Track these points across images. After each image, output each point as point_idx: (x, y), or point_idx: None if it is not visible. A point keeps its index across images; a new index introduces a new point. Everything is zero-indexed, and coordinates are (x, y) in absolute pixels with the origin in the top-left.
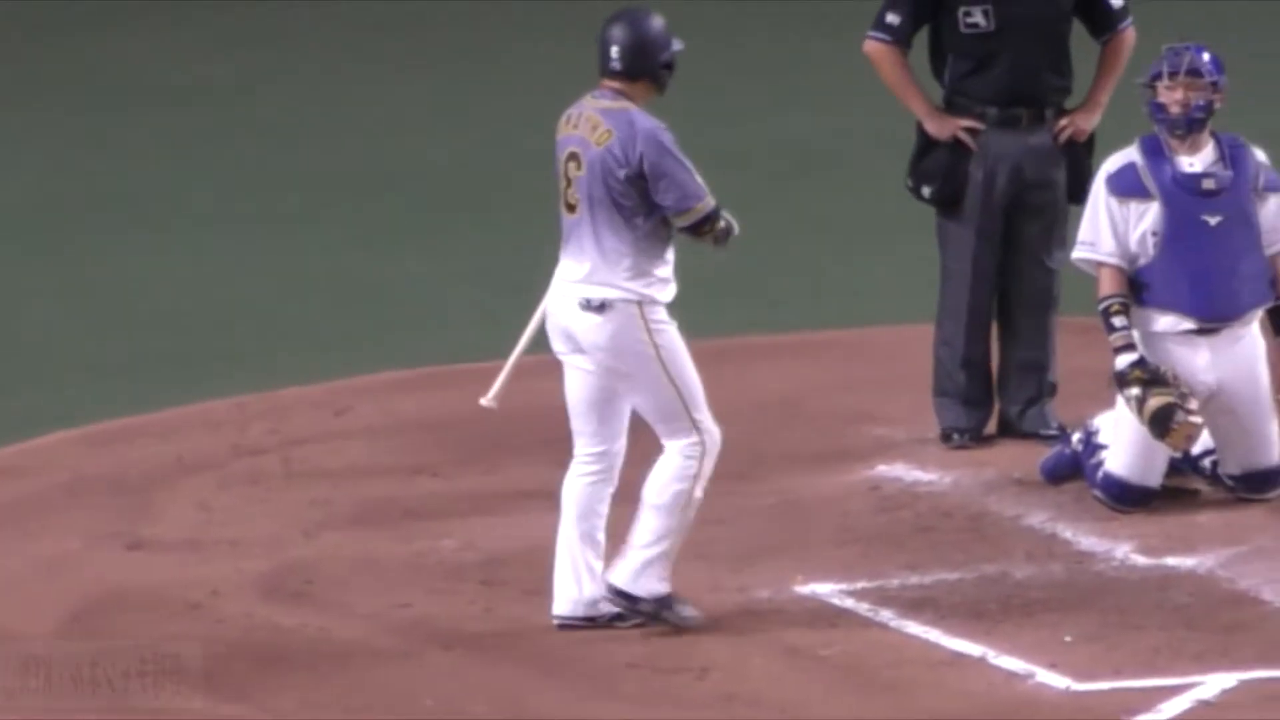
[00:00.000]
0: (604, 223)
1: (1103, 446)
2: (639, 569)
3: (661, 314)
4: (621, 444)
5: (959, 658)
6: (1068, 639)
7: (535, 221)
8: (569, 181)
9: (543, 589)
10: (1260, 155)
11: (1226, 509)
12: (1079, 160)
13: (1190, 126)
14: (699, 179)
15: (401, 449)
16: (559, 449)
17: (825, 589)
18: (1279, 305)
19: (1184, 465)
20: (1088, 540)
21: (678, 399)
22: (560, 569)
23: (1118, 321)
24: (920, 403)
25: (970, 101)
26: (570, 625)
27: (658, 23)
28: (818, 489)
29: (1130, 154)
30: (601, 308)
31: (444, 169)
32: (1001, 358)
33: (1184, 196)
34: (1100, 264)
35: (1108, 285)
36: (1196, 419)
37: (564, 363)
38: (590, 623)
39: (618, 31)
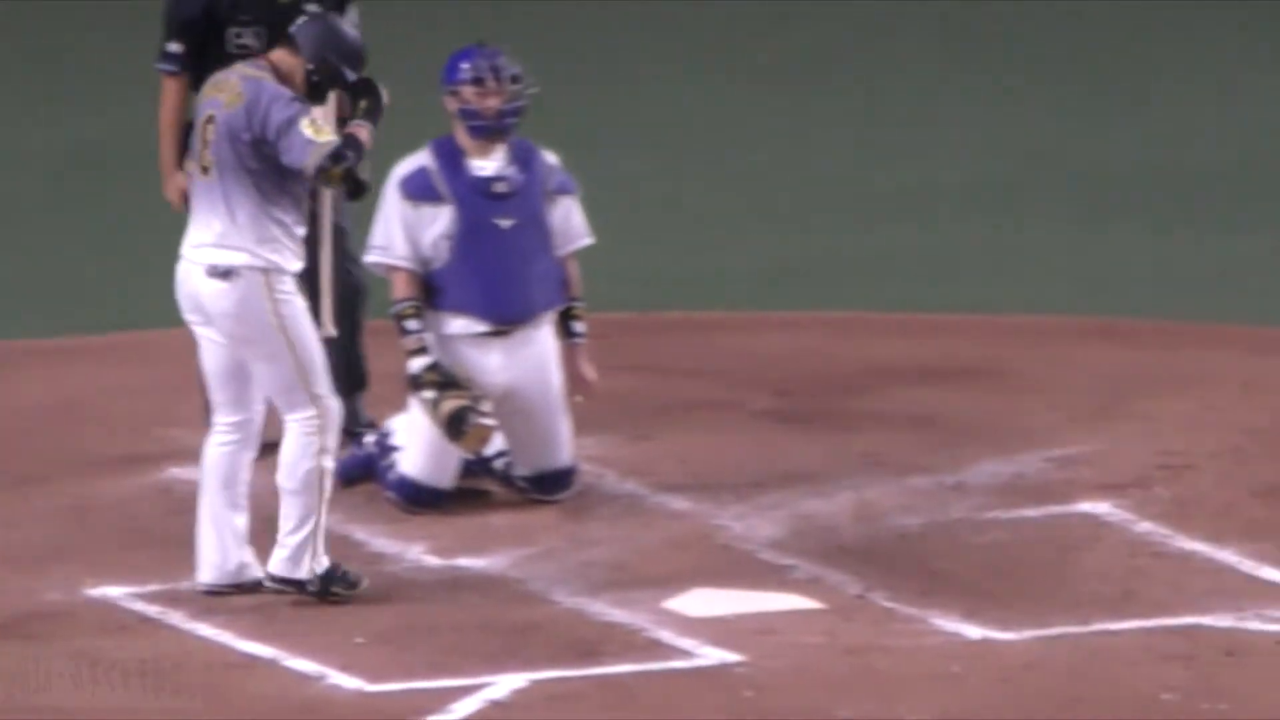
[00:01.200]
0: (233, 185)
1: (396, 449)
2: (294, 555)
3: (288, 284)
4: (260, 409)
5: (251, 660)
6: (360, 640)
7: None
8: (205, 143)
9: None
10: (551, 158)
11: (518, 510)
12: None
13: (505, 131)
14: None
15: None
16: None
17: (116, 592)
18: (571, 307)
19: (476, 467)
20: (380, 541)
21: (297, 371)
22: (204, 538)
23: (411, 325)
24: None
25: None
26: (217, 592)
27: (357, 40)
28: (108, 492)
29: (422, 157)
30: (227, 274)
31: None
32: None
33: (476, 200)
34: (394, 268)
35: (402, 289)
36: (490, 422)
37: (196, 333)
38: (237, 589)
39: (317, 18)
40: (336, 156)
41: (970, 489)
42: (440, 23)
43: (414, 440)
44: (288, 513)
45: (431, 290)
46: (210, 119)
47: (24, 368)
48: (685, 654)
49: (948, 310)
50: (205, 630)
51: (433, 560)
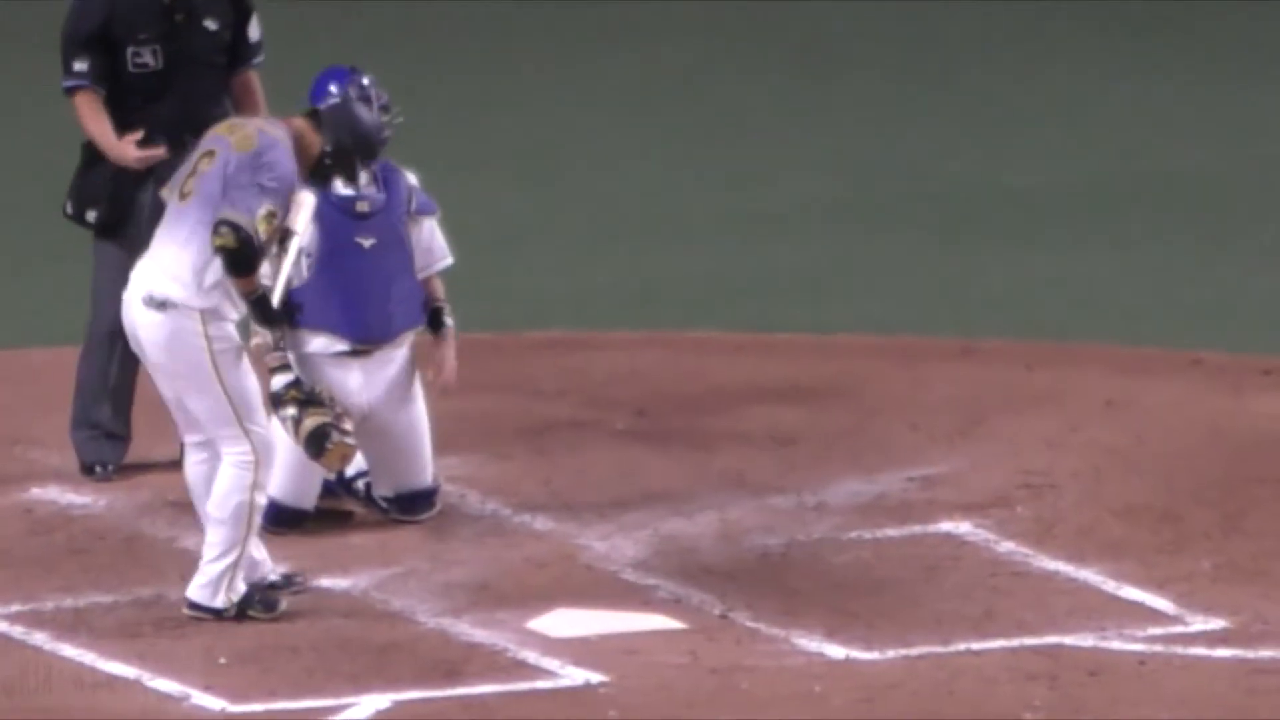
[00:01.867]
0: (205, 222)
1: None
2: (212, 583)
3: (224, 328)
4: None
5: (114, 680)
6: (223, 661)
7: None
8: (193, 173)
9: None
10: (412, 178)
11: (380, 530)
12: None
13: (376, 155)
14: (261, 222)
15: None
16: None
17: None
18: (438, 308)
19: (337, 487)
20: None
21: (229, 407)
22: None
23: None
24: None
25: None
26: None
27: (375, 129)
28: None
29: None
30: (163, 305)
31: None
32: None
33: (338, 218)
34: None
35: None
36: (352, 440)
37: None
38: (250, 586)
39: (344, 101)
40: (239, 233)
41: (832, 509)
42: (306, 30)
43: (275, 460)
44: (212, 540)
45: (292, 307)
46: (210, 154)
47: None
48: (549, 674)
49: (808, 330)
50: (68, 650)
51: None
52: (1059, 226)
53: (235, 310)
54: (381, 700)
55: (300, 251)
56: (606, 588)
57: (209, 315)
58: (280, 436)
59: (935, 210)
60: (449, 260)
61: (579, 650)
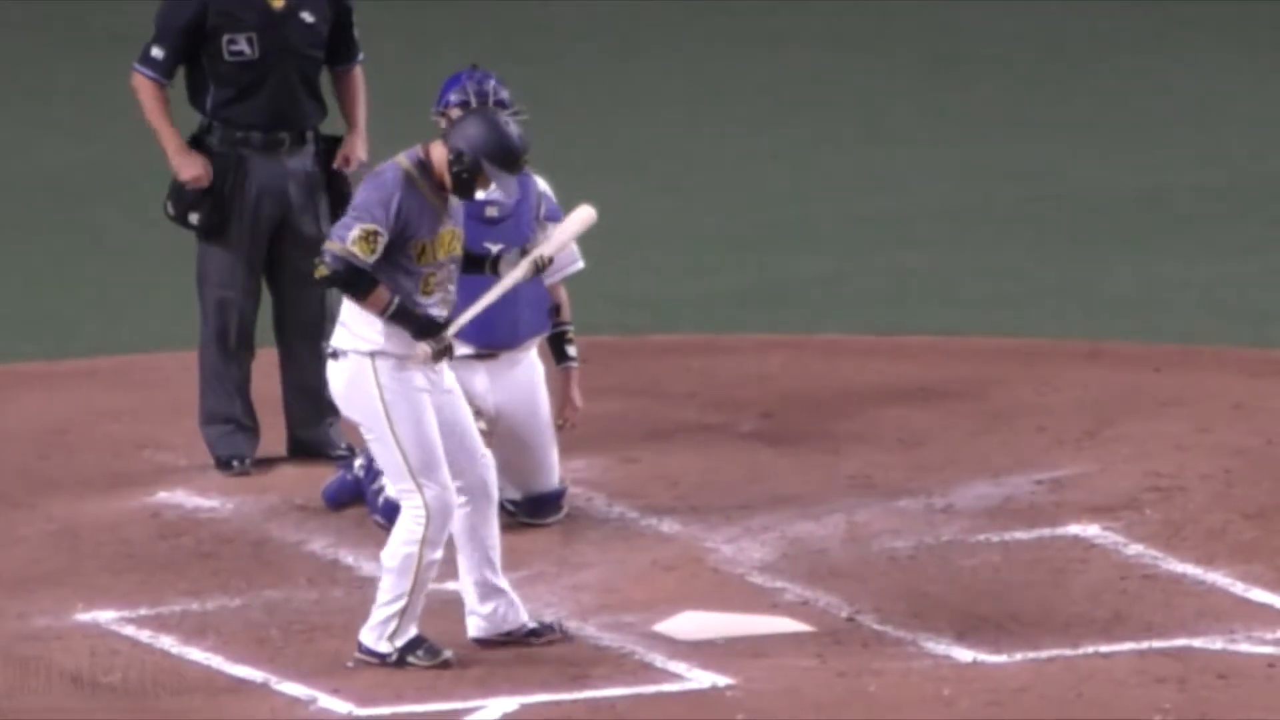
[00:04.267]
0: None
1: (384, 472)
2: (378, 627)
3: (398, 374)
4: (480, 464)
5: (241, 684)
6: (350, 664)
7: None
8: None
9: None
10: (542, 184)
11: (507, 533)
12: (340, 183)
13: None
14: (356, 244)
15: None
16: None
17: (106, 616)
18: (563, 332)
19: None
20: (369, 565)
21: (403, 461)
22: (465, 593)
23: None
24: (197, 429)
25: (233, 129)
26: (490, 644)
27: (516, 142)
28: (96, 516)
29: None
30: (335, 355)
31: None
32: (283, 382)
33: (467, 224)
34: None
35: None
36: (485, 436)
37: None
38: (507, 638)
39: (480, 111)
40: (333, 260)
41: (959, 511)
42: (433, 33)
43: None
44: (383, 587)
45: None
46: None
47: (9, 392)
48: (676, 677)
49: (935, 332)
50: (196, 654)
51: None
52: (1187, 230)
53: (408, 348)
54: (509, 703)
55: (533, 263)
56: (733, 590)
57: (380, 359)
58: None
59: (1063, 213)
60: (579, 265)
61: (706, 653)
